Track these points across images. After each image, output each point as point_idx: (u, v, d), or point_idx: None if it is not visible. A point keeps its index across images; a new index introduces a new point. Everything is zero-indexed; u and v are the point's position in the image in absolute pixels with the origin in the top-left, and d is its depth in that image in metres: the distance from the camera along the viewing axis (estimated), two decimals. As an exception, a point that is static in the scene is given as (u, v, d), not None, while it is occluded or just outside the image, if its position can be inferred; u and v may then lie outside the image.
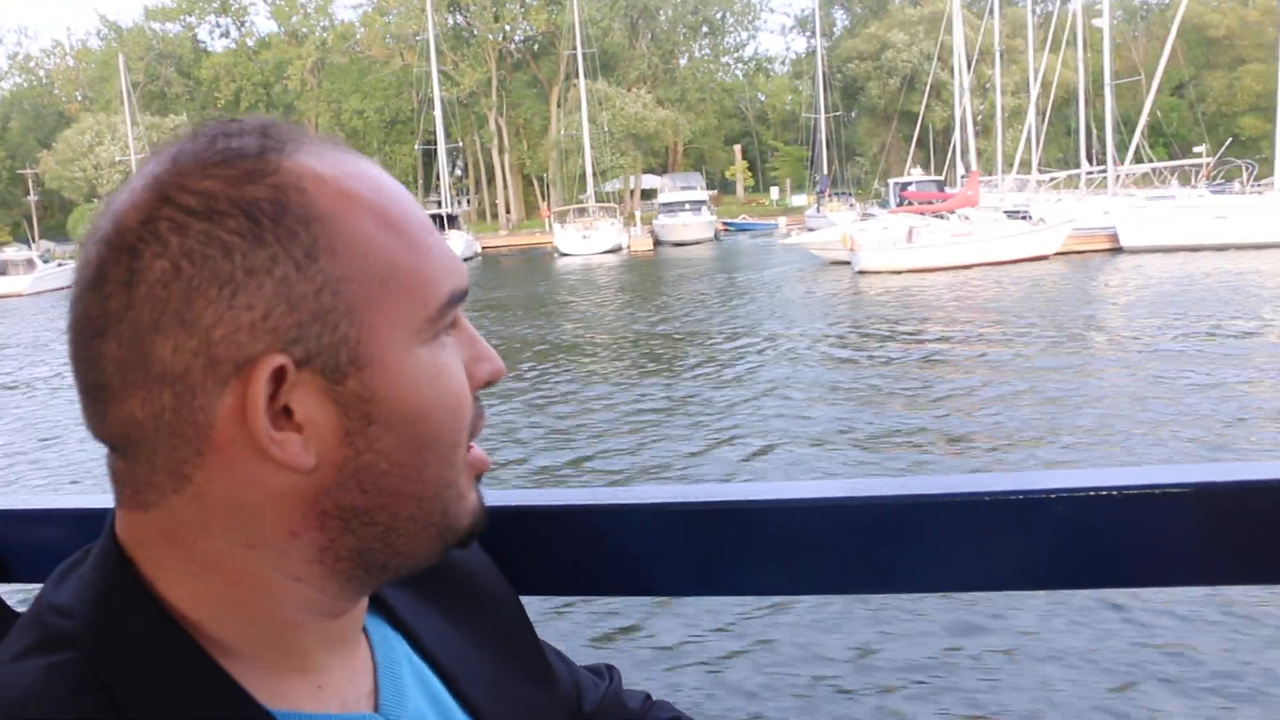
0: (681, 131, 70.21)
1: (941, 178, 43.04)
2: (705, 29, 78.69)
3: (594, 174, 59.61)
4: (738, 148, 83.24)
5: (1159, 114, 58.88)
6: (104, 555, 0.67)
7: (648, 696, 1.03)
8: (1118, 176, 41.37)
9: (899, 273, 28.40)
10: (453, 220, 52.71)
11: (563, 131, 64.69)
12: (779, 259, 37.11)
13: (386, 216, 0.66)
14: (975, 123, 54.46)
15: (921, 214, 32.37)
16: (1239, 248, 29.06)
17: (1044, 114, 54.44)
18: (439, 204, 59.86)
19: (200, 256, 0.61)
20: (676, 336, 20.31)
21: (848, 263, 30.25)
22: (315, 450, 0.63)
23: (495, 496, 0.90)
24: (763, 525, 0.93)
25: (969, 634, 6.00)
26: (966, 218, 31.48)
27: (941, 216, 31.46)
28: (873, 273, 28.83)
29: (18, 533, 1.10)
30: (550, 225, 54.83)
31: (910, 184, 45.16)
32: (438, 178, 60.85)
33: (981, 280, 26.21)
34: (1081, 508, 0.86)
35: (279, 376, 0.62)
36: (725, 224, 61.23)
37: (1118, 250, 31.13)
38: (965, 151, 50.59)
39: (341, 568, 0.67)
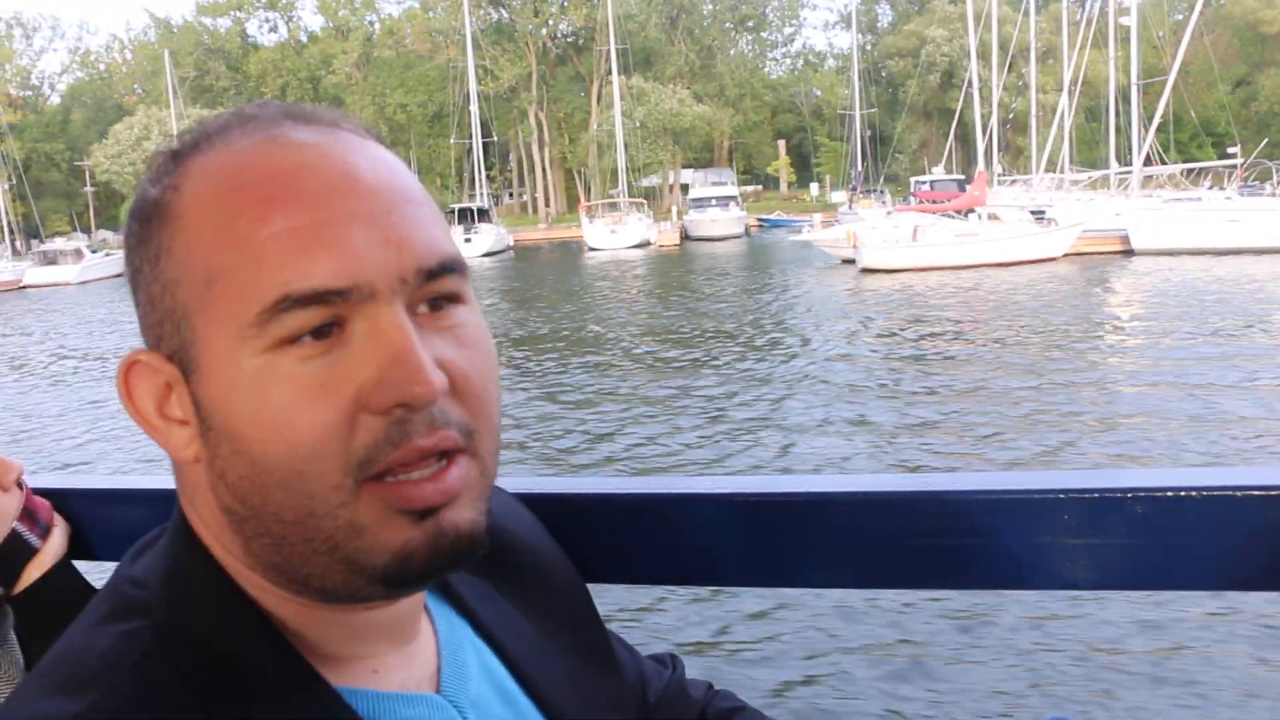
0: (720, 127, 70.21)
1: (963, 176, 42.75)
2: (750, 24, 78.54)
3: (628, 169, 59.93)
4: (782, 143, 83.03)
5: (1194, 113, 57.96)
6: (175, 531, 0.70)
7: (710, 686, 1.03)
8: (1148, 177, 40.84)
9: (902, 271, 28.40)
10: (484, 214, 53.35)
11: (596, 126, 65.17)
12: (793, 256, 37.17)
13: (239, 209, 0.62)
14: (1008, 120, 54.04)
15: (933, 213, 32.28)
16: (1252, 252, 28.70)
17: (1087, 112, 53.90)
18: (474, 197, 60.55)
19: (127, 255, 0.67)
20: (655, 334, 20.58)
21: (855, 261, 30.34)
22: (194, 447, 0.65)
23: (567, 484, 0.94)
24: (833, 518, 0.93)
25: (1048, 633, 6.01)
26: (995, 216, 31.38)
27: (952, 216, 31.36)
28: (876, 271, 28.86)
29: (96, 512, 1.15)
30: (581, 218, 55.21)
31: (929, 182, 44.89)
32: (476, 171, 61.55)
33: (982, 281, 26.19)
34: (1160, 507, 0.84)
35: (153, 370, 0.65)
36: (760, 220, 61.25)
37: (1129, 253, 30.84)
38: (1004, 149, 50.26)
39: (271, 573, 0.66)
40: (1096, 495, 0.86)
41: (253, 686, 0.64)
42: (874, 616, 6.28)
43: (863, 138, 66.34)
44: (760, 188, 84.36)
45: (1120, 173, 48.27)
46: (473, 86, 59.35)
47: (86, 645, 0.63)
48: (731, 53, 79.05)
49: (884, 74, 71.46)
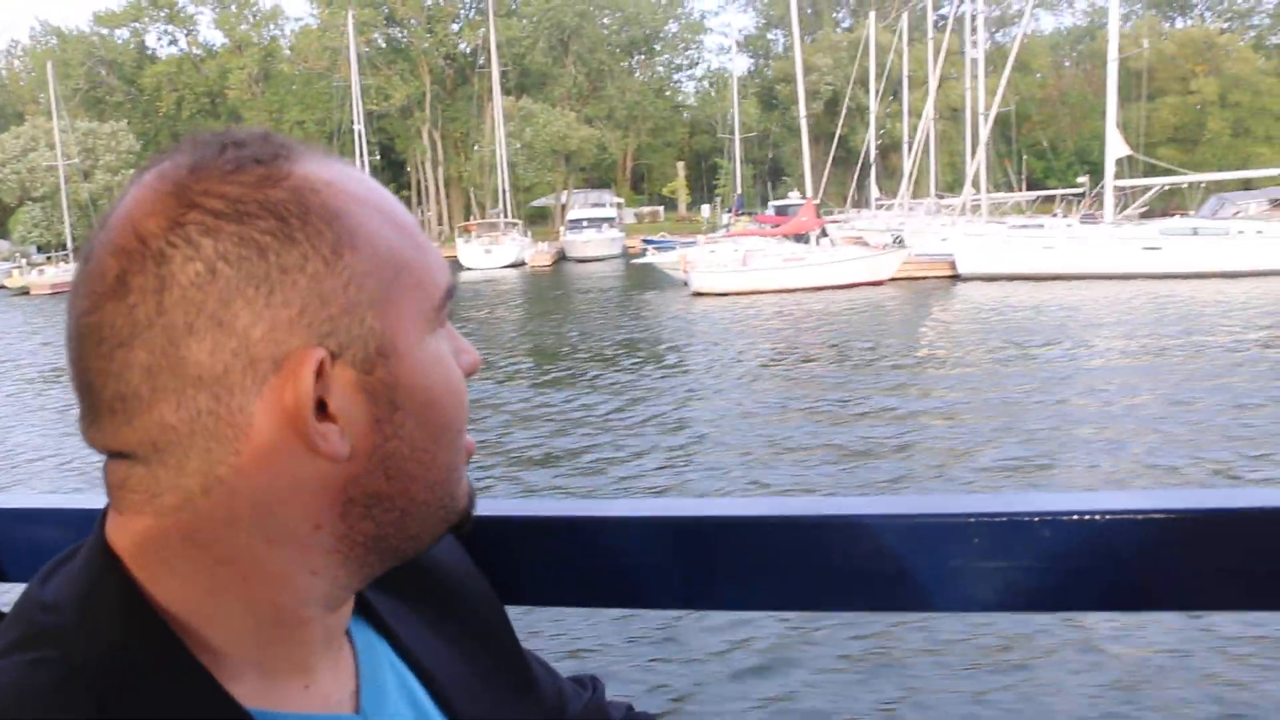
0: (611, 149, 71.26)
1: (817, 201, 43.92)
2: (641, 50, 79.76)
3: (512, 189, 60.67)
4: (681, 164, 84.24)
5: (1065, 143, 60.36)
6: (92, 553, 0.67)
7: (630, 707, 1.05)
8: (997, 204, 42.47)
9: (731, 295, 29.33)
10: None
11: (477, 147, 65.98)
12: (641, 279, 38.03)
13: (389, 216, 0.69)
14: (879, 145, 55.73)
15: (768, 236, 33.41)
16: (1067, 278, 30.15)
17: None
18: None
19: (236, 257, 0.62)
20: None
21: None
22: (349, 440, 0.65)
23: (489, 506, 0.94)
24: (750, 541, 0.94)
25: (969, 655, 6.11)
26: (861, 239, 32.38)
27: (783, 239, 32.44)
28: (707, 294, 29.78)
29: (11, 531, 1.10)
30: (455, 239, 55.84)
31: (774, 206, 46.20)
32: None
33: (804, 303, 27.15)
34: (1065, 531, 0.87)
35: (319, 370, 0.64)
36: (645, 241, 62.09)
37: (956, 278, 32.11)
38: (889, 174, 51.99)
39: (356, 554, 0.69)
40: (1005, 519, 0.88)
41: (167, 718, 0.62)
42: (796, 639, 6.41)
43: (766, 160, 67.52)
44: (663, 208, 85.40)
45: (975, 199, 50.13)
46: (357, 105, 59.80)
47: None
48: (638, 75, 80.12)
49: (775, 98, 73.09)
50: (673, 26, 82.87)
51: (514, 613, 0.94)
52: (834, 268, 30.58)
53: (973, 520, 0.89)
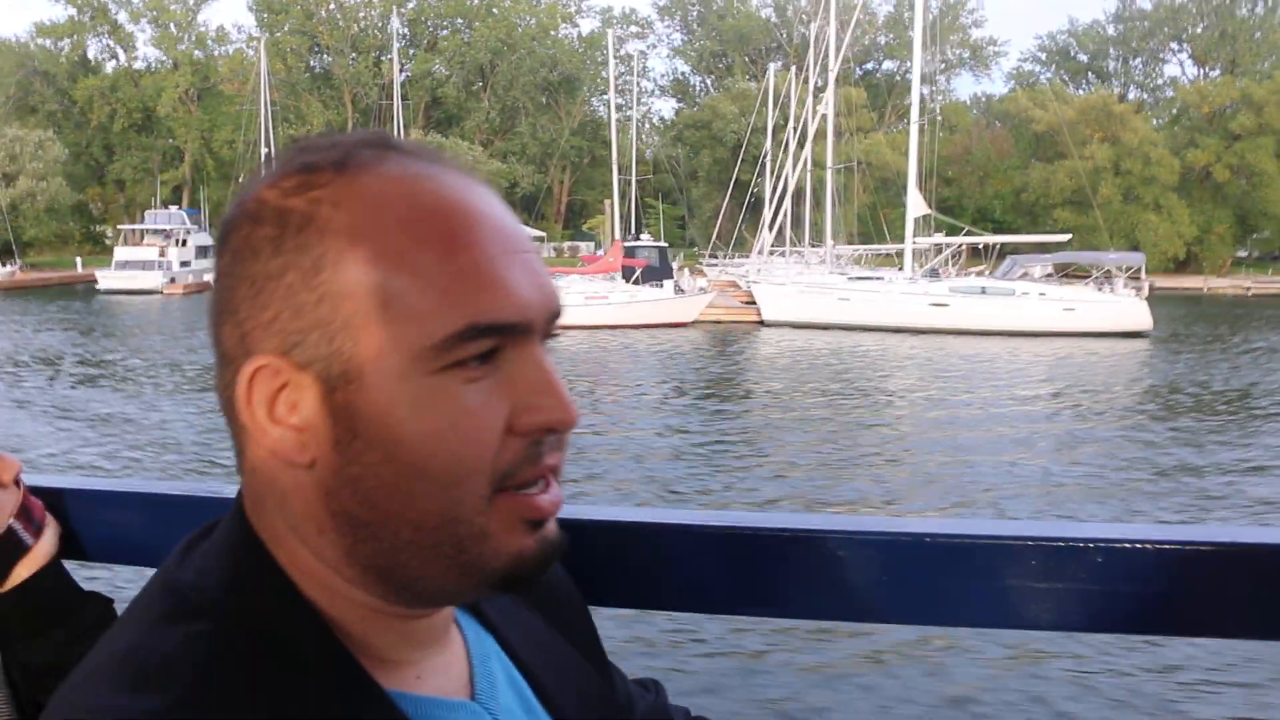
0: (521, 184, 73.09)
1: (666, 244, 45.43)
2: (559, 90, 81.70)
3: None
4: (607, 202, 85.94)
5: (970, 200, 62.02)
6: (237, 533, 0.71)
7: (688, 712, 1.08)
8: (837, 255, 44.15)
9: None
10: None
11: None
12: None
13: (420, 239, 0.65)
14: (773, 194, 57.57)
15: (605, 274, 34.98)
16: (862, 329, 31.77)
17: (874, 191, 57.66)
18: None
19: (240, 255, 0.67)
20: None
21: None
22: (313, 451, 0.66)
23: (570, 510, 0.95)
24: (820, 552, 0.97)
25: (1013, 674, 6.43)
26: (733, 282, 33.59)
27: (605, 278, 33.95)
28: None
29: (89, 513, 1.12)
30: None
31: (634, 248, 47.75)
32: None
33: (601, 342, 28.44)
34: (1117, 557, 0.90)
35: (275, 374, 0.66)
36: (546, 275, 63.70)
37: (761, 323, 33.75)
38: (795, 223, 53.71)
39: (370, 577, 0.69)
40: (1061, 544, 0.91)
41: (315, 691, 0.65)
42: (846, 647, 6.64)
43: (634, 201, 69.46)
44: (593, 244, 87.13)
45: (857, 250, 51.93)
46: (263, 127, 61.62)
47: (152, 645, 0.64)
48: (565, 113, 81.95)
49: (684, 144, 75.38)
50: (591, 72, 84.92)
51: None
52: (634, 308, 32.16)
53: (1029, 544, 0.93)
